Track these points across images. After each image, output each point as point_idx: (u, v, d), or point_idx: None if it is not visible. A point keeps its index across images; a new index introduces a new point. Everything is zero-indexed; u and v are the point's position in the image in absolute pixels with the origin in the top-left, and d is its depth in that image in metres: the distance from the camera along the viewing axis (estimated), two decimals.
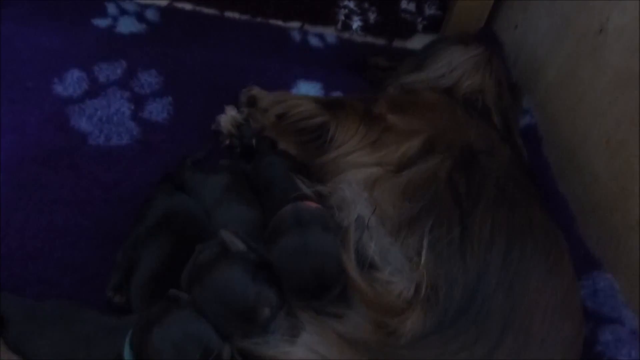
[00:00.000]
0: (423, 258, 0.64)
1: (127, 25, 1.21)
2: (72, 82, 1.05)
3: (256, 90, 1.05)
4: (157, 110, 1.05)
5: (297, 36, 1.30)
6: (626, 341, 0.69)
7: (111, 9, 1.24)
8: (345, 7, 1.34)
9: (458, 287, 0.63)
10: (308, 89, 1.16)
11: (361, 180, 0.79)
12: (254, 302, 0.61)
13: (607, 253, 0.84)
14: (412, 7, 1.36)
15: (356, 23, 1.34)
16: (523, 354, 0.60)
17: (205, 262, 0.64)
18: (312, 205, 0.72)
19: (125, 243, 0.80)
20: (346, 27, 1.34)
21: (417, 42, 1.33)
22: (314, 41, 1.30)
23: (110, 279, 0.79)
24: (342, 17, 1.34)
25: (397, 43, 1.37)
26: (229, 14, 1.31)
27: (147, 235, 0.78)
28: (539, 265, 0.66)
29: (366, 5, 1.35)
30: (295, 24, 1.32)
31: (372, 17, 1.35)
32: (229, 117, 1.01)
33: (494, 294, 0.63)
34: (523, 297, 0.63)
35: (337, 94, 1.16)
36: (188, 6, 1.29)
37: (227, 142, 1.00)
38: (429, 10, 1.37)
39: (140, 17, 1.24)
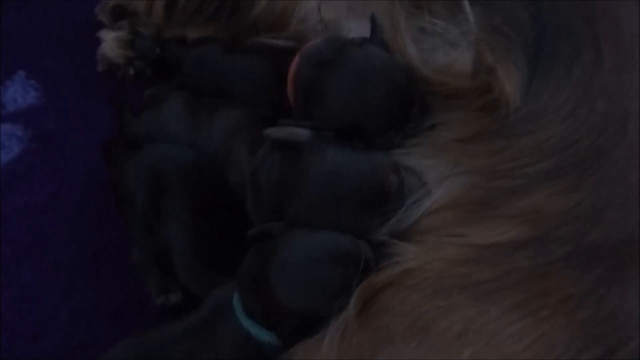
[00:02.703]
0: (469, 12, 0.53)
1: None
2: None
3: None
4: (20, 94, 0.77)
5: None
6: None
7: None
8: None
9: (520, 11, 0.53)
10: None
11: None
12: (376, 175, 0.47)
13: None
14: None
15: None
16: (621, 28, 0.53)
17: (290, 170, 0.49)
18: (316, 40, 0.56)
19: (134, 241, 0.63)
20: None
21: None
22: None
23: (152, 288, 0.62)
24: None
25: None
26: None
27: (152, 212, 0.59)
28: None
29: None
30: None
31: None
32: (112, 42, 0.76)
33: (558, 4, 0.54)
34: None
35: None
36: None
37: (132, 71, 0.78)
38: None
39: None
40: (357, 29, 0.58)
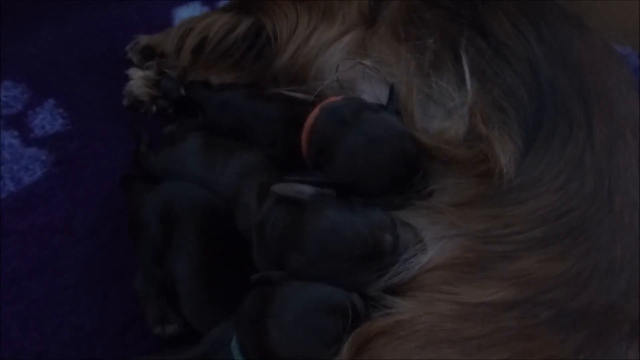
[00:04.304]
0: (469, 85, 0.57)
1: None
2: None
3: (146, 39, 0.86)
4: (48, 121, 0.82)
5: None
6: None
7: None
8: None
9: (519, 88, 0.57)
10: (190, 11, 0.98)
11: (345, 56, 0.68)
12: (371, 234, 0.49)
13: None
14: None
15: None
16: (613, 109, 0.57)
17: (291, 224, 0.51)
18: (337, 99, 0.59)
19: (141, 270, 0.65)
20: None
21: None
22: None
23: (148, 316, 0.63)
24: None
25: None
26: None
27: (162, 244, 0.62)
28: (569, 28, 0.62)
29: None
30: None
31: None
32: (139, 80, 0.81)
33: (555, 75, 0.58)
34: (578, 63, 0.59)
35: (222, 3, 0.99)
36: None
37: (154, 108, 0.82)
38: None
39: None
40: (370, 91, 0.63)
